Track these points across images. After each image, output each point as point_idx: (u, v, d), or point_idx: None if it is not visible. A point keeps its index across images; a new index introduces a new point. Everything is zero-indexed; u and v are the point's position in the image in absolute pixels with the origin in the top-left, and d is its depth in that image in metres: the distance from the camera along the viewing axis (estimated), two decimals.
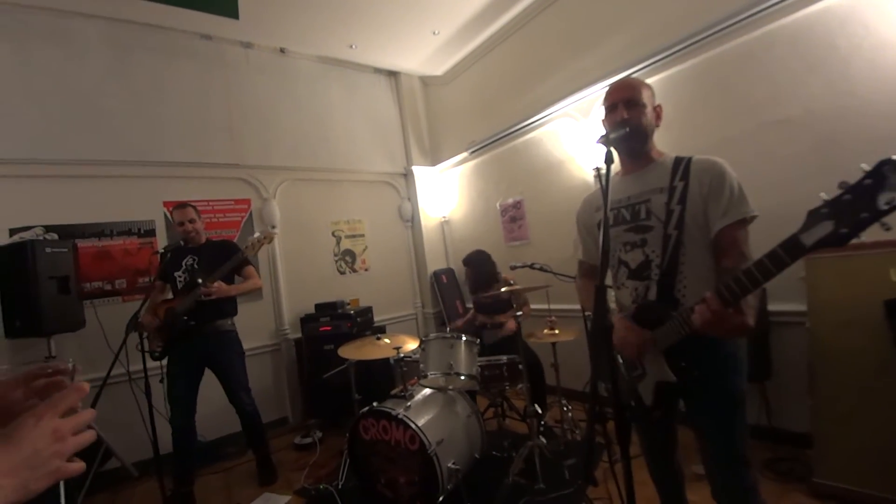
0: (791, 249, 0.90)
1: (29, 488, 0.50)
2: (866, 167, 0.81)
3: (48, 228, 3.07)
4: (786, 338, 2.41)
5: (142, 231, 3.46)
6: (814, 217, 0.87)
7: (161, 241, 3.48)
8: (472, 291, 3.35)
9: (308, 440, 3.40)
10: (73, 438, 0.54)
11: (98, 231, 3.30)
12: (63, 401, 0.55)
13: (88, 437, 0.56)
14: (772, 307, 2.45)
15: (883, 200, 0.78)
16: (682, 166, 1.34)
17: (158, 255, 2.83)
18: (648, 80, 1.56)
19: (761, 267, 0.96)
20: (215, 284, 2.61)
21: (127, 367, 2.61)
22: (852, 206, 0.81)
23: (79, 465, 0.55)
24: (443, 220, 5.26)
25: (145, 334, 2.65)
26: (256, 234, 2.68)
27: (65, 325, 2.76)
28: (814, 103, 2.34)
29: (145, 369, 2.46)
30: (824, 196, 0.86)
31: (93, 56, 3.37)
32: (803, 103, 2.38)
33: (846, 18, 2.21)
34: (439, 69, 4.97)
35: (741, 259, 1.20)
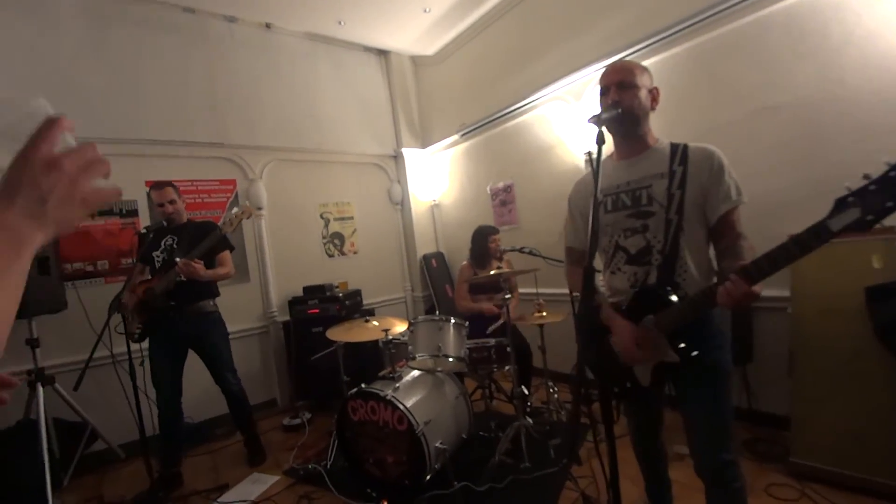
0: (818, 235, 0.97)
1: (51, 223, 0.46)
2: (890, 161, 0.89)
3: None
4: (768, 323, 2.46)
5: (124, 211, 3.38)
6: (840, 205, 0.94)
7: (144, 222, 3.40)
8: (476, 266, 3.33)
9: (297, 421, 3.42)
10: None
11: None
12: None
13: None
14: None
15: None
16: (679, 152, 1.35)
17: (138, 236, 2.76)
18: (642, 63, 1.53)
19: (785, 251, 1.03)
20: (192, 263, 2.50)
21: (111, 349, 2.57)
22: (878, 196, 0.89)
23: (113, 188, 0.51)
24: (433, 203, 5.23)
25: (127, 316, 2.61)
26: (234, 210, 2.61)
27: (46, 307, 2.70)
28: (804, 91, 2.34)
29: (129, 351, 2.43)
30: (848, 185, 0.92)
31: (68, 28, 3.22)
32: (793, 90, 2.38)
33: (839, 6, 2.20)
34: (430, 49, 4.87)
35: (738, 238, 1.30)
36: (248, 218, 2.63)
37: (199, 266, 2.52)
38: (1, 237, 0.43)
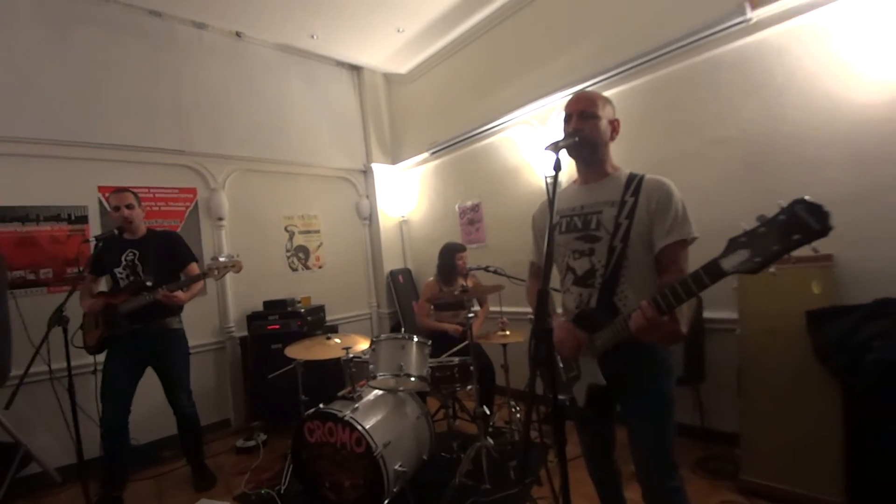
0: (711, 273, 1.00)
1: None
2: (783, 203, 0.89)
3: None
4: (718, 343, 2.56)
5: (72, 217, 3.20)
6: (733, 245, 0.95)
7: (94, 229, 3.22)
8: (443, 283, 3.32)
9: (251, 443, 3.27)
10: None
11: (22, 215, 3.02)
12: None
13: None
14: (707, 314, 2.59)
15: (793, 236, 0.86)
16: (634, 183, 1.39)
17: (90, 244, 2.62)
18: (604, 94, 1.60)
19: (685, 286, 1.05)
20: (175, 293, 2.50)
21: (49, 364, 2.41)
22: (766, 239, 0.90)
23: None
24: (401, 219, 5.22)
25: (78, 326, 2.45)
26: (223, 259, 2.57)
27: None
28: (749, 126, 2.51)
29: (69, 367, 2.27)
30: (744, 226, 0.94)
31: (25, 26, 3.08)
32: (740, 125, 2.54)
33: (782, 50, 2.38)
34: (403, 67, 4.93)
35: (679, 276, 1.27)
36: (236, 272, 2.65)
37: (180, 295, 2.56)
38: None
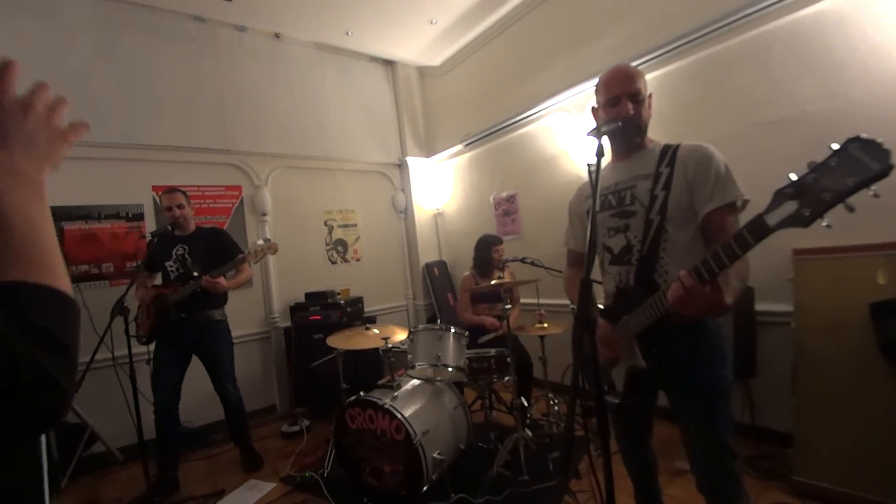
0: (755, 230, 0.89)
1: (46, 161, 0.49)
2: (835, 146, 0.77)
3: None
4: (772, 337, 2.43)
5: (130, 215, 3.42)
6: (779, 197, 0.84)
7: (150, 226, 3.43)
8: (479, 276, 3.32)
9: (295, 428, 3.40)
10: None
11: (85, 214, 3.25)
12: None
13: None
14: (759, 307, 2.46)
15: (848, 181, 0.74)
16: (669, 153, 1.33)
17: (145, 241, 2.79)
18: (646, 77, 1.53)
19: (727, 248, 0.95)
20: (218, 280, 2.63)
21: (112, 352, 2.58)
22: (816, 186, 0.78)
23: (83, 123, 0.53)
24: (436, 212, 5.24)
25: (133, 318, 2.62)
26: (260, 242, 2.70)
27: None
28: (808, 105, 2.34)
29: (130, 354, 2.44)
30: (792, 176, 0.84)
31: (81, 35, 3.28)
32: (798, 104, 2.38)
33: (843, 21, 2.20)
34: (436, 59, 4.92)
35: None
36: (273, 254, 2.78)
37: (222, 281, 2.68)
38: (19, 182, 0.44)
